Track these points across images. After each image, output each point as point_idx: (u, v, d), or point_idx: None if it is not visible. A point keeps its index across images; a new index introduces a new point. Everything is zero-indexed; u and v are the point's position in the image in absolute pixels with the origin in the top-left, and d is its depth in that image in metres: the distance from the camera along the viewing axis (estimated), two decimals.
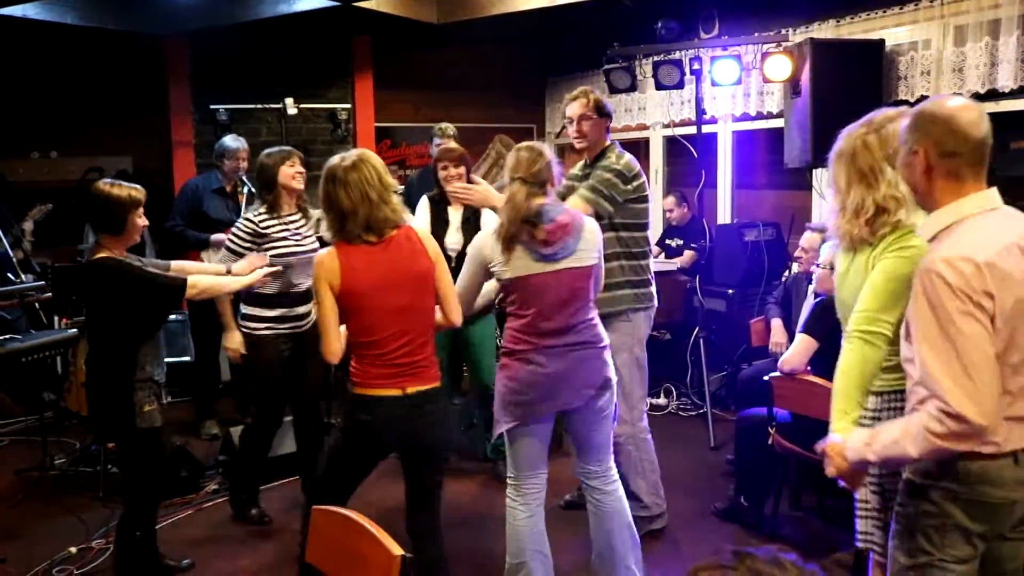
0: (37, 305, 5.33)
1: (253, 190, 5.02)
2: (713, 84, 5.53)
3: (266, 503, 4.23)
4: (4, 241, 5.30)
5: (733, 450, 4.41)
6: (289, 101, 6.49)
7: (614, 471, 3.24)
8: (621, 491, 3.25)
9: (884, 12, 5.10)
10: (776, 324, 4.63)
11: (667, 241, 6.59)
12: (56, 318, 5.52)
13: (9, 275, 5.12)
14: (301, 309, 4.04)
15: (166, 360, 3.60)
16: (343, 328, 2.79)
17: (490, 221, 4.41)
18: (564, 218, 2.95)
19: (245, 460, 4.19)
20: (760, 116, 6.06)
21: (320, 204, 2.82)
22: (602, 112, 3.76)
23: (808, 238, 4.32)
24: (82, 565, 3.74)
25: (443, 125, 5.39)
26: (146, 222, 3.30)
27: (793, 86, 5.02)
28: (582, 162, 3.90)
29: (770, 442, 3.72)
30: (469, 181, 4.35)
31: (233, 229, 4.03)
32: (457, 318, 2.93)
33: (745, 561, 1.20)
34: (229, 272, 3.70)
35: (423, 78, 7.67)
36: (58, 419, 5.39)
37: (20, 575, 3.69)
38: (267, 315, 3.97)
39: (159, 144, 6.86)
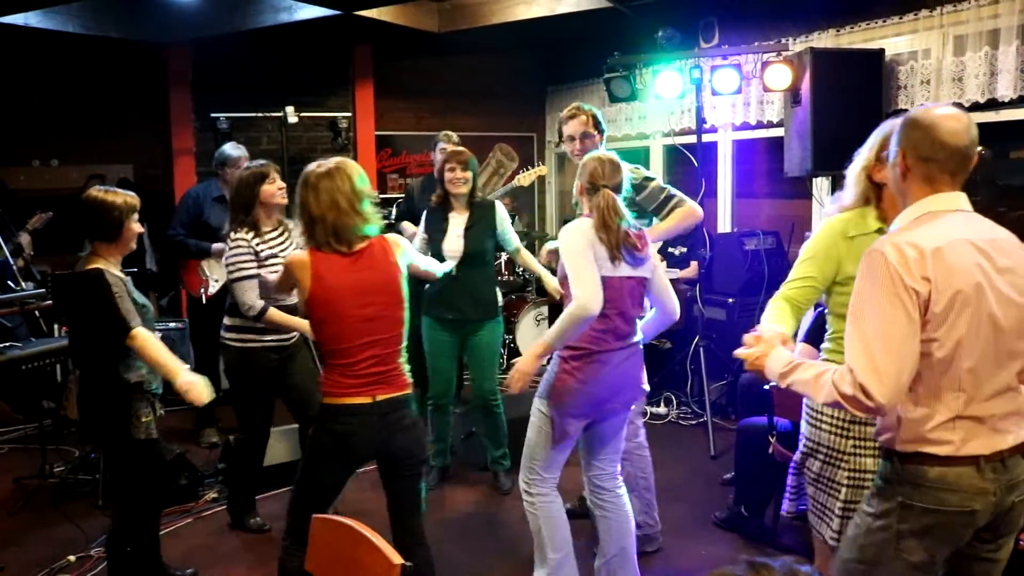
0: (37, 313, 5.33)
1: None
2: (713, 93, 5.54)
3: (266, 511, 4.23)
4: (5, 249, 5.30)
5: (733, 464, 4.40)
6: (290, 109, 6.51)
7: (620, 477, 3.30)
8: (627, 493, 3.31)
9: (884, 21, 5.12)
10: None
11: (670, 249, 6.58)
12: (56, 326, 5.51)
13: (9, 283, 5.12)
14: None
15: None
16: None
17: (506, 218, 4.42)
18: (640, 230, 3.11)
19: (239, 473, 4.18)
20: (760, 125, 6.07)
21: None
22: (600, 127, 3.81)
23: None
24: (81, 573, 3.73)
25: (447, 133, 5.40)
26: (142, 228, 3.26)
27: (793, 95, 5.04)
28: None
29: (770, 451, 3.71)
30: (474, 186, 4.36)
31: (232, 259, 3.75)
32: (430, 272, 3.14)
33: (761, 572, 1.19)
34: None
35: (424, 87, 7.70)
36: (57, 427, 5.39)
37: None
38: (254, 326, 3.83)
39: (160, 152, 6.88)
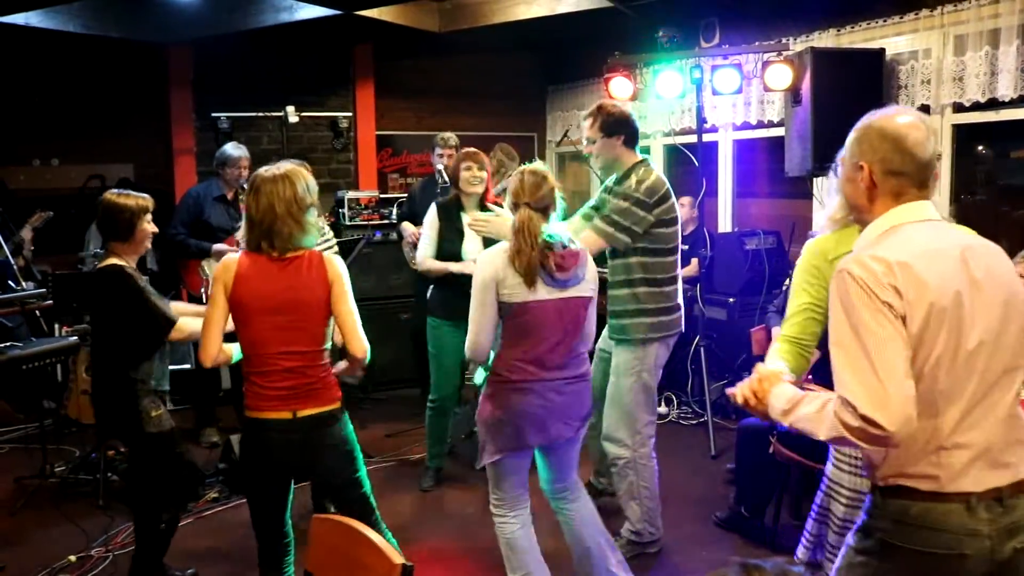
0: (38, 312, 5.32)
1: None
2: (714, 93, 5.54)
3: None
4: (5, 248, 5.30)
5: (734, 459, 4.40)
6: (290, 109, 6.51)
7: (579, 483, 3.24)
8: (588, 500, 3.26)
9: (884, 21, 5.11)
10: (777, 332, 4.61)
11: None
12: (56, 326, 5.51)
13: (10, 282, 5.12)
14: None
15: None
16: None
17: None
18: (574, 246, 2.95)
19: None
20: (761, 125, 6.07)
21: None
22: (610, 131, 3.62)
23: None
24: (82, 573, 3.73)
25: (445, 135, 5.39)
26: (155, 229, 3.33)
27: (794, 95, 5.04)
28: (613, 176, 3.75)
29: (771, 451, 3.71)
30: (486, 191, 4.35)
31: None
32: (358, 351, 2.77)
33: (752, 573, 1.19)
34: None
35: (424, 86, 7.69)
36: (58, 427, 5.38)
37: None
38: None
39: (160, 152, 6.87)
